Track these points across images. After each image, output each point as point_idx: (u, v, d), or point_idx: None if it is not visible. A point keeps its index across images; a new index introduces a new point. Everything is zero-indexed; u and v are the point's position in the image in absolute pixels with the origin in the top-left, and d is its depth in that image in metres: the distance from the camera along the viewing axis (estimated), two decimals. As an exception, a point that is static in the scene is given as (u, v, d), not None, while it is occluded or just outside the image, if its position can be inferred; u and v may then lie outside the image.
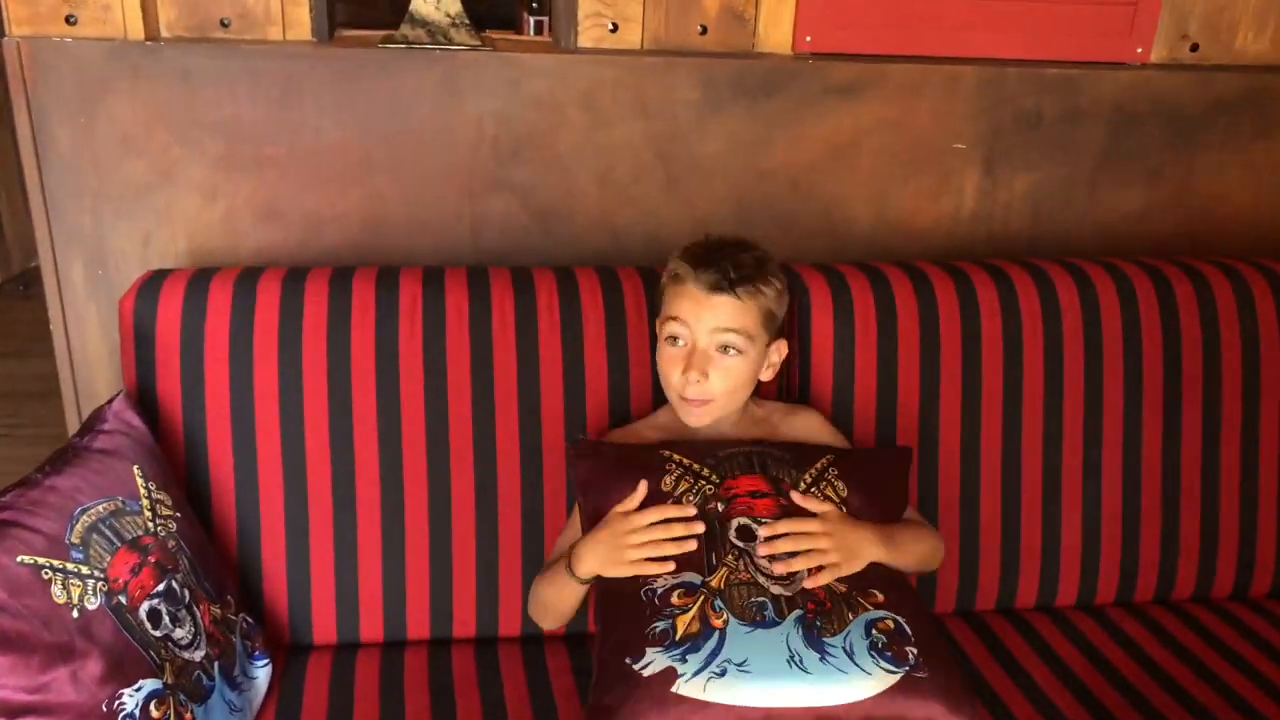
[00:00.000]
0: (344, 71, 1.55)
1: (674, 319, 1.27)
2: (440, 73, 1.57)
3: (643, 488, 1.19)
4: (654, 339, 1.41)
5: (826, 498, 1.20)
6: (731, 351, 1.26)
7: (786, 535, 1.15)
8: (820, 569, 1.13)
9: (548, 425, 1.39)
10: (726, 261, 1.24)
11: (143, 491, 1.17)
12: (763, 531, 1.15)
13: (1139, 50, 1.75)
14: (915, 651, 1.09)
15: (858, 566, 1.15)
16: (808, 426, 1.37)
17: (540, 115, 1.61)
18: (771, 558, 1.14)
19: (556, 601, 1.27)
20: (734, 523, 1.16)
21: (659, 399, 1.41)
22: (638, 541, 1.15)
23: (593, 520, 1.22)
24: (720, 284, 1.23)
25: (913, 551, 1.25)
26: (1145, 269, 1.56)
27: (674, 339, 1.28)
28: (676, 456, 1.22)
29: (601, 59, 1.61)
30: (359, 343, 1.36)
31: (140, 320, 1.34)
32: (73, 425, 1.62)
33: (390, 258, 1.62)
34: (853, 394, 1.46)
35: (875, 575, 1.16)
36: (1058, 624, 1.51)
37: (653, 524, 1.16)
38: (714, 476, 1.20)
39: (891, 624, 1.10)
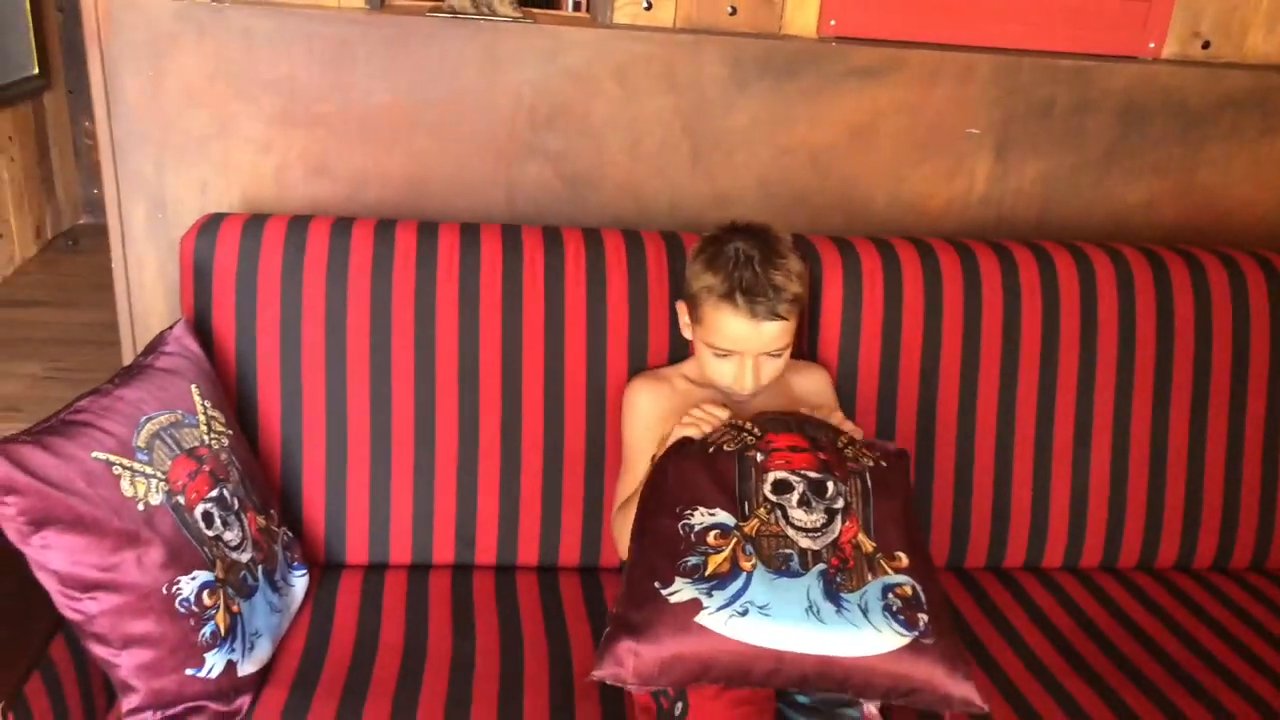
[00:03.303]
0: (393, 37, 1.65)
1: (723, 349, 1.34)
2: (483, 42, 1.67)
3: (719, 410, 1.32)
4: (673, 299, 1.50)
5: (859, 459, 1.25)
6: (777, 352, 1.35)
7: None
8: None
9: (570, 370, 1.49)
10: (769, 288, 1.31)
11: (200, 408, 1.28)
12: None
13: (1151, 45, 1.82)
14: (926, 619, 1.14)
15: None
16: (814, 382, 1.46)
17: (575, 86, 1.71)
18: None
19: None
20: (770, 476, 1.20)
21: (675, 351, 1.51)
22: (689, 419, 1.30)
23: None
24: (769, 315, 1.31)
25: None
26: (1143, 253, 1.64)
27: (723, 354, 1.35)
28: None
29: (635, 35, 1.70)
30: (400, 287, 1.47)
31: (199, 257, 1.45)
32: (128, 355, 1.73)
33: (429, 215, 1.72)
34: (858, 357, 1.55)
35: (905, 536, 1.21)
36: (1044, 583, 1.59)
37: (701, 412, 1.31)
38: (756, 429, 1.26)
39: (910, 590, 1.15)
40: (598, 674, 1.13)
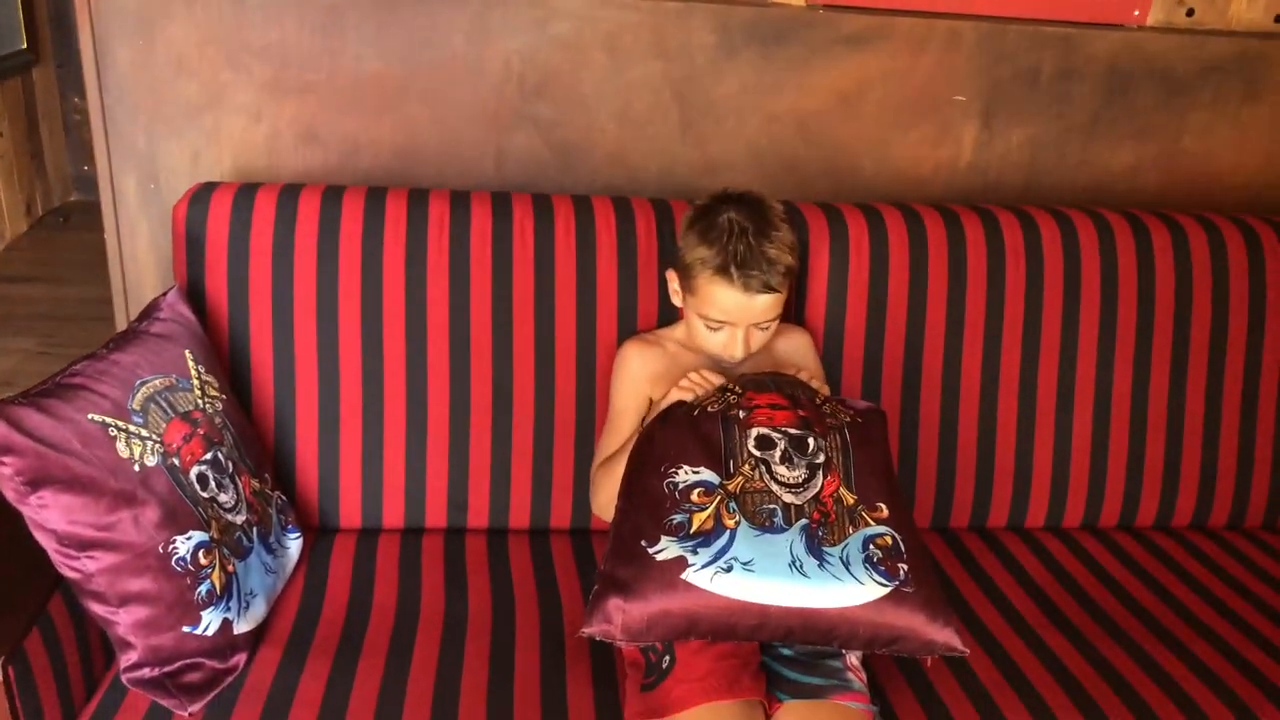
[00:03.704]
0: (383, 4, 1.65)
1: (717, 320, 1.35)
2: (474, 10, 1.67)
3: (714, 376, 1.35)
4: (663, 267, 1.51)
5: (836, 415, 1.28)
6: (767, 324, 1.37)
7: None
8: None
9: (560, 337, 1.51)
10: (763, 261, 1.31)
11: (194, 373, 1.29)
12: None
13: (1136, 13, 1.83)
14: (906, 568, 1.17)
15: None
16: (797, 345, 1.48)
17: (565, 54, 1.71)
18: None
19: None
20: (753, 432, 1.23)
21: (664, 315, 1.53)
22: (686, 383, 1.34)
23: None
24: (762, 288, 1.32)
25: None
26: (1125, 217, 1.66)
27: (715, 326, 1.36)
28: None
29: (624, 2, 1.70)
30: (390, 254, 1.48)
31: (192, 225, 1.46)
32: (121, 326, 1.74)
33: (420, 183, 1.73)
34: (844, 322, 1.57)
35: (885, 486, 1.24)
36: (1027, 543, 1.62)
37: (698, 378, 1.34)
38: (737, 388, 1.29)
39: (890, 540, 1.18)
40: (587, 630, 1.16)
